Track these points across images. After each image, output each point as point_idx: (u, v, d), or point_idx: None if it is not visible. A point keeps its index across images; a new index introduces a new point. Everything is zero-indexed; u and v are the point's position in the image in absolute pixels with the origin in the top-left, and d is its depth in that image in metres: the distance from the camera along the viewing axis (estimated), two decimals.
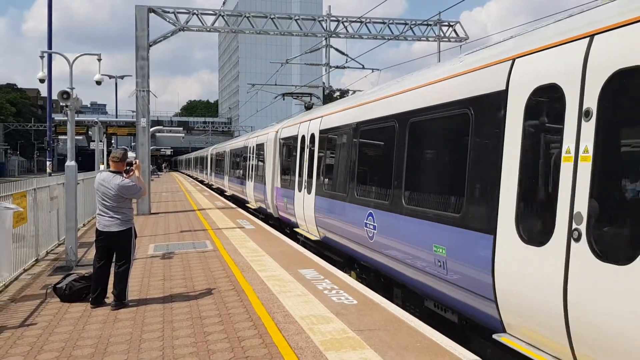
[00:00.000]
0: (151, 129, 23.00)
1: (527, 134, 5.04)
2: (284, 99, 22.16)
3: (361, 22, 24.27)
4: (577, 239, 4.22)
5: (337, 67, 27.83)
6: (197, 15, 21.74)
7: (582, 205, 4.22)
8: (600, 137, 4.21)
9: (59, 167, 58.53)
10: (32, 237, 9.89)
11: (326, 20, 24.34)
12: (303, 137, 13.43)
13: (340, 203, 10.13)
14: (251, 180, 20.63)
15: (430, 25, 24.95)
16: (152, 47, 19.42)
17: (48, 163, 27.19)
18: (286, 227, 15.39)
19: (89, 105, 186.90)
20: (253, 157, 20.68)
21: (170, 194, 30.35)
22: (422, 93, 7.28)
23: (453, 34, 25.11)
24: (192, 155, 72.60)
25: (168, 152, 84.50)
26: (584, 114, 4.35)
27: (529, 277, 4.75)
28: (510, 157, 5.16)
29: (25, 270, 9.29)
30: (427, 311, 7.29)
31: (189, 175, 70.04)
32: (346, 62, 26.91)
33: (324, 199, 11.17)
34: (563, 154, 4.50)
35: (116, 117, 62.60)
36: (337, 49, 26.47)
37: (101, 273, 7.12)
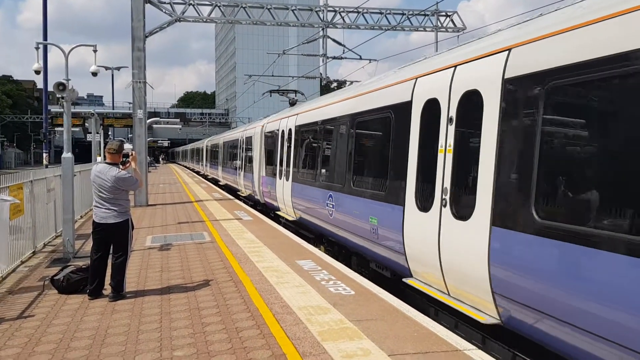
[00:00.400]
0: (148, 121, 22.94)
1: (421, 133, 7.05)
2: (270, 96, 22.73)
3: (358, 12, 24.18)
4: (445, 206, 6.29)
5: (334, 57, 27.71)
6: (193, 5, 21.62)
7: (447, 183, 6.29)
8: (458, 136, 6.22)
9: (56, 159, 58.39)
10: (29, 229, 9.87)
11: (323, 10, 24.23)
12: (282, 131, 15.32)
13: (309, 188, 12.07)
14: (242, 170, 22.58)
15: (428, 15, 24.87)
16: (148, 38, 19.32)
17: (44, 155, 27.13)
18: (271, 212, 17.14)
19: (85, 97, 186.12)
20: (243, 149, 22.64)
21: (168, 185, 30.33)
22: (364, 99, 9.30)
23: (450, 24, 25.04)
24: (189, 147, 74.09)
25: (165, 143, 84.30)
26: (449, 120, 6.38)
27: (421, 234, 6.77)
28: (413, 150, 7.16)
29: (22, 262, 9.29)
30: (372, 272, 9.03)
31: (186, 167, 70.16)
32: (343, 52, 26.80)
33: (298, 185, 13.08)
34: (440, 148, 6.49)
35: (113, 109, 62.37)
36: (334, 40, 26.33)
37: (98, 265, 7.11)
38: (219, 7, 22.60)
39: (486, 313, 5.61)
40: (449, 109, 6.38)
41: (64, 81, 10.23)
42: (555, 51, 4.77)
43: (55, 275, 7.49)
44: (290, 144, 14.32)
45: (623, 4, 4.08)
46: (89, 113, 24.64)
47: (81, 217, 15.44)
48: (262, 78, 39.01)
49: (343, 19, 24.21)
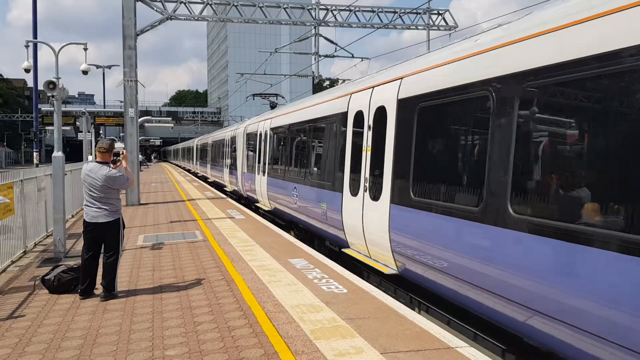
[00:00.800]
0: (140, 119, 22.84)
1: (352, 137, 9.32)
2: (254, 99, 24.17)
3: (350, 10, 24.18)
4: (365, 191, 8.45)
5: (326, 56, 27.70)
6: (184, 3, 21.54)
7: (367, 174, 8.44)
8: (373, 139, 8.39)
9: (47, 158, 58.02)
10: (19, 229, 9.80)
11: (315, 8, 24.21)
12: (260, 133, 17.39)
13: (280, 181, 14.18)
14: (227, 168, 24.63)
15: (420, 13, 24.91)
16: (139, 37, 19.22)
17: (35, 154, 26.96)
18: (252, 204, 19.11)
19: (76, 96, 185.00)
20: (228, 148, 24.54)
21: (160, 184, 30.22)
22: (318, 108, 11.63)
23: (442, 23, 25.09)
24: (180, 146, 75.04)
25: (157, 142, 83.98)
26: (368, 127, 8.57)
27: (353, 213, 8.93)
28: (348, 149, 9.43)
29: (13, 262, 9.22)
30: (328, 249, 10.99)
31: (177, 165, 70.06)
32: (335, 51, 26.81)
33: (272, 179, 15.17)
34: (363, 148, 8.68)
35: (104, 108, 62.06)
36: (326, 38, 26.32)
37: (90, 264, 7.07)
38: (210, 5, 22.53)
39: (389, 267, 7.76)
40: (368, 119, 8.62)
41: (54, 79, 10.17)
42: (420, 83, 7.14)
43: (46, 275, 7.44)
44: (265, 144, 16.47)
45: (440, 59, 6.77)
46: (80, 112, 24.55)
47: (72, 216, 15.36)
48: (254, 76, 38.94)
49: (335, 17, 24.21)
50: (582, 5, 4.46)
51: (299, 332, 5.51)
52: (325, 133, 11.00)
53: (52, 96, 10.11)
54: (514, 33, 5.37)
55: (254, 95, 23.47)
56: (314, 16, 24.20)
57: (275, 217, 15.56)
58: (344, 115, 9.65)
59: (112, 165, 7.18)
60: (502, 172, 5.22)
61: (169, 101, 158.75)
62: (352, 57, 28.08)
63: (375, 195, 8.04)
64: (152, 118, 71.91)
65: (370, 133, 8.47)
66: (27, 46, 14.27)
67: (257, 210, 18.08)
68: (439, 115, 6.68)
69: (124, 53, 18.74)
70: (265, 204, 16.45)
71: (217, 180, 29.49)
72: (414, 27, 25.16)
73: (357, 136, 9.04)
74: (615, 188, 4.10)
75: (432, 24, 24.98)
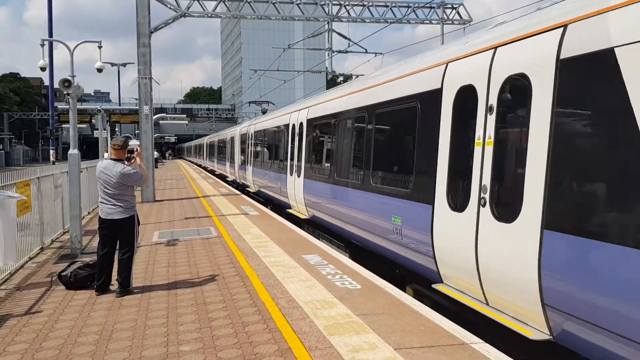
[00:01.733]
0: (154, 117, 22.98)
1: (290, 139, 15.02)
2: (249, 105, 31.14)
3: (363, 5, 24.09)
4: (293, 173, 13.70)
5: (339, 51, 27.63)
6: (198, 0, 21.60)
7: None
8: (251, 143, 19.33)
9: (64, 155, 58.57)
10: (36, 226, 9.92)
11: (328, 4, 24.14)
12: (249, 134, 22.68)
13: (260, 170, 19.33)
14: (228, 162, 30.40)
15: (434, 7, 24.75)
16: (154, 34, 19.32)
17: (51, 152, 27.26)
18: (245, 189, 24.11)
19: (92, 94, 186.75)
20: (228, 146, 30.02)
21: (175, 181, 30.40)
22: (278, 120, 16.64)
23: (456, 17, 24.91)
24: (192, 143, 79.84)
25: (172, 139, 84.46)
26: (293, 137, 12.58)
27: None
28: (290, 149, 15.09)
29: (30, 259, 9.34)
30: (286, 214, 14.73)
31: (191, 162, 70.84)
32: (349, 46, 26.72)
33: (257, 169, 20.34)
34: (292, 148, 12.36)
35: (119, 105, 62.58)
36: (339, 33, 26.25)
37: (105, 260, 7.14)
38: (223, 1, 22.57)
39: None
40: (294, 129, 13.99)
41: (70, 78, 10.25)
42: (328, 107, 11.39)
43: (63, 271, 7.52)
44: (251, 142, 21.84)
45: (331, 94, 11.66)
46: (95, 109, 24.75)
47: (88, 213, 15.51)
48: (268, 73, 38.96)
49: (348, 13, 24.13)
50: (390, 73, 8.88)
51: (312, 327, 5.51)
52: (277, 138, 16.76)
53: (68, 94, 10.20)
54: (364, 85, 9.87)
55: (250, 102, 31.60)
56: (327, 12, 24.14)
57: (259, 197, 21.04)
58: (287, 127, 15.35)
59: (126, 163, 7.23)
60: (365, 161, 9.16)
61: (183, 98, 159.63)
62: (366, 52, 27.99)
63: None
64: (167, 115, 72.37)
65: (294, 140, 12.37)
66: (42, 45, 14.38)
67: (236, 187, 25.67)
68: (328, 127, 11.42)
69: (138, 51, 18.86)
70: (252, 188, 22.29)
71: (221, 172, 35.15)
72: (428, 22, 25.01)
73: (287, 140, 15.04)
74: (410, 162, 7.54)
75: (446, 18, 24.81)
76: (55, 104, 31.48)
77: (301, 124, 13.55)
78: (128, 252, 7.11)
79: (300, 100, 18.14)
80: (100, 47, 14.15)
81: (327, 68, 30.31)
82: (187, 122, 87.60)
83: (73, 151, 10.25)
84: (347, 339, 5.17)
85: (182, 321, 5.86)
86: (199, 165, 54.04)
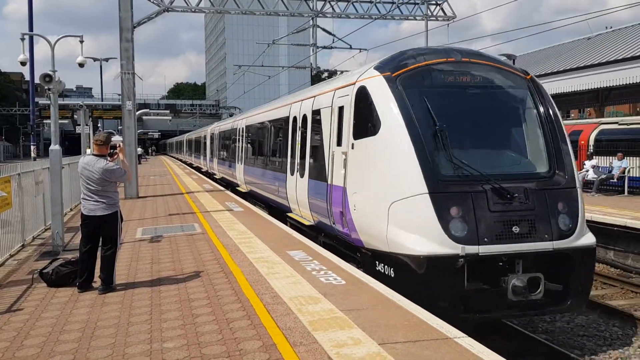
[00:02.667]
0: (137, 112, 22.78)
1: (236, 141, 22.95)
2: (219, 112, 43.64)
3: (348, 1, 24.07)
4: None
5: (324, 47, 27.63)
6: None
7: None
8: (215, 141, 28.74)
9: (45, 151, 57.70)
10: (17, 223, 9.79)
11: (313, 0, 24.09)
12: (215, 134, 29.54)
13: (223, 161, 25.53)
14: (202, 156, 36.82)
15: (418, 4, 24.81)
16: (137, 29, 19.13)
17: (32, 147, 26.89)
18: (214, 176, 29.86)
19: (74, 89, 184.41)
20: (203, 143, 36.38)
21: (159, 177, 30.18)
22: (226, 126, 25.91)
23: (441, 13, 24.99)
24: (174, 140, 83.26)
25: (155, 135, 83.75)
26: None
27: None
28: (231, 146, 24.80)
29: (11, 256, 9.22)
30: (234, 190, 20.06)
31: (174, 157, 70.98)
32: (333, 42, 26.72)
33: (219, 160, 27.10)
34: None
35: (102, 101, 61.82)
36: (324, 29, 26.23)
37: (88, 257, 7.06)
38: None
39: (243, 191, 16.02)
40: (241, 131, 19.93)
41: (50, 72, 10.12)
42: (252, 120, 19.23)
43: (44, 268, 7.43)
44: (216, 141, 28.82)
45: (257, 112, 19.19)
46: (77, 105, 24.42)
47: (70, 209, 15.35)
48: (253, 68, 38.83)
49: (333, 8, 24.11)
50: (261, 109, 18.39)
51: (297, 323, 5.51)
52: (230, 138, 23.44)
53: (49, 89, 10.07)
54: (267, 107, 17.74)
55: (222, 107, 42.76)
56: (311, 7, 24.10)
57: (223, 182, 25.97)
58: (234, 129, 22.06)
59: (109, 158, 7.15)
60: (238, 154, 19.67)
61: (167, 94, 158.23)
62: (350, 48, 28.02)
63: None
64: (150, 111, 71.70)
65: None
66: (22, 39, 14.16)
67: (209, 176, 31.00)
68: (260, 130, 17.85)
69: (121, 45, 18.66)
70: (217, 176, 28.72)
71: (197, 165, 41.61)
72: (412, 18, 25.07)
73: (232, 140, 22.28)
74: (270, 154, 15.06)
75: (430, 14, 24.88)
76: (37, 99, 31.06)
77: (241, 128, 20.74)
78: (111, 248, 7.05)
79: (245, 111, 27.57)
80: (81, 42, 13.99)
81: (311, 64, 30.27)
82: (170, 117, 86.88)
83: (54, 147, 10.13)
84: (331, 334, 5.18)
85: (166, 318, 5.83)
86: (179, 160, 59.52)
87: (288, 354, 4.76)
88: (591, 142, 20.00)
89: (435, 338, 5.05)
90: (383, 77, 7.96)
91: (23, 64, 15.76)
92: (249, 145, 19.16)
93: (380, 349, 4.80)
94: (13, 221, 9.48)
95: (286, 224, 12.36)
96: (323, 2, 24.00)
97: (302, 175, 11.50)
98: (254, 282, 7.19)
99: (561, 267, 7.18)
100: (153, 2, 20.32)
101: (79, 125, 23.60)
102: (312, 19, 24.65)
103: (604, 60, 26.21)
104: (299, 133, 12.00)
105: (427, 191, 7.06)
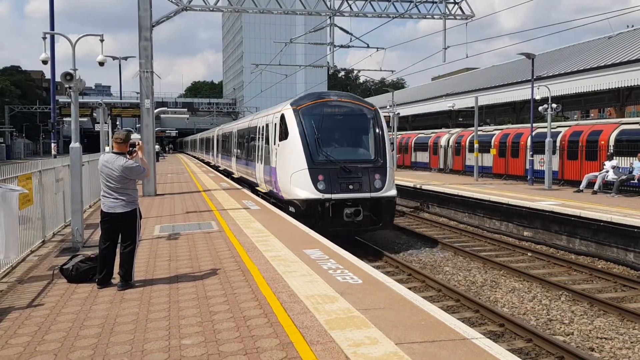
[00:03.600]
0: (155, 111, 22.96)
1: (220, 142, 36.13)
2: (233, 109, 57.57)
3: (366, 0, 23.99)
4: (234, 158, 26.49)
5: (341, 46, 27.57)
6: None
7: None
8: (218, 141, 36.51)
9: (65, 149, 58.44)
10: (38, 219, 9.94)
11: None
12: (219, 134, 35.04)
13: (223, 156, 32.10)
14: (210, 152, 43.65)
15: (436, 2, 24.63)
16: (155, 28, 19.27)
17: (53, 145, 27.20)
18: (218, 168, 35.99)
19: (93, 87, 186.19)
20: (211, 142, 42.43)
21: (176, 175, 30.40)
22: (223, 130, 34.58)
23: (459, 12, 24.80)
24: (189, 138, 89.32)
25: (173, 133, 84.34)
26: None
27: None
28: (214, 144, 38.76)
29: (32, 252, 9.36)
30: (252, 189, 20.63)
31: (190, 155, 72.81)
32: (350, 41, 26.66)
33: (222, 155, 32.92)
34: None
35: (120, 99, 62.36)
36: (341, 28, 26.16)
37: (107, 254, 7.15)
38: None
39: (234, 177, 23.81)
40: (233, 135, 26.69)
41: (71, 71, 10.24)
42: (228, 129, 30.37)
43: (65, 264, 7.54)
44: (219, 140, 34.94)
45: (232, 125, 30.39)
46: (96, 103, 24.73)
47: (90, 206, 15.52)
48: (270, 67, 38.92)
49: (350, 7, 24.05)
50: (232, 123, 30.26)
51: (314, 322, 5.52)
52: (227, 139, 29.55)
53: (69, 87, 10.19)
54: (234, 123, 29.54)
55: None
56: (329, 6, 24.06)
57: (224, 171, 32.10)
58: (229, 133, 29.32)
59: (128, 156, 7.23)
60: (232, 151, 26.65)
61: (184, 92, 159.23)
62: (368, 47, 27.93)
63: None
64: (168, 109, 72.39)
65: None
66: (44, 38, 14.33)
67: (220, 171, 34.67)
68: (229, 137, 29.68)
69: (139, 44, 18.81)
70: (221, 168, 33.90)
71: (207, 160, 47.37)
72: (430, 17, 24.91)
73: (228, 141, 30.15)
74: (247, 151, 21.49)
75: (448, 13, 24.71)
76: (57, 97, 31.35)
77: (234, 132, 27.28)
78: (130, 245, 7.12)
79: (237, 120, 37.98)
80: (102, 41, 14.13)
81: (328, 63, 30.23)
82: (188, 116, 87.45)
83: (75, 144, 10.26)
84: (348, 333, 5.18)
85: (184, 315, 5.88)
86: (194, 157, 65.65)
87: (305, 352, 4.78)
88: (611, 143, 19.71)
89: (453, 339, 5.03)
90: (292, 109, 14.64)
91: (45, 62, 15.96)
92: (238, 144, 25.39)
93: (397, 348, 4.79)
94: (34, 218, 9.62)
95: (257, 195, 18.66)
96: (341, 1, 23.96)
97: (261, 163, 17.94)
98: (270, 280, 7.22)
99: (376, 207, 13.70)
100: (172, 1, 20.44)
101: (98, 123, 23.86)
102: (330, 17, 24.61)
103: (625, 60, 25.82)
104: (260, 137, 18.38)
105: (307, 167, 13.62)
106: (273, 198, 16.48)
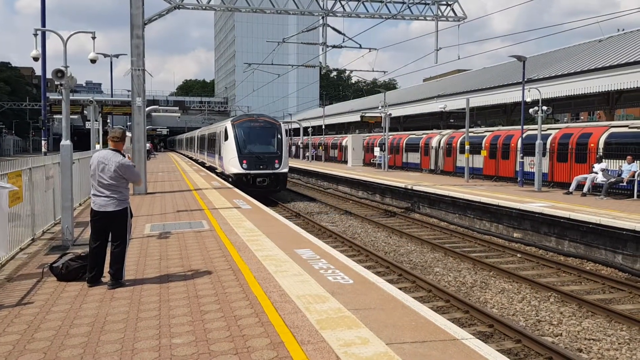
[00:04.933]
0: (147, 109, 22.87)
1: (190, 142, 56.62)
2: (208, 122, 67.07)
3: (358, 0, 24.04)
4: (204, 154, 39.83)
5: (334, 46, 27.61)
6: None
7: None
8: (197, 140, 47.89)
9: (55, 146, 58.08)
10: (28, 217, 9.87)
11: None
12: (197, 136, 46.87)
13: (199, 151, 44.33)
14: (193, 150, 52.03)
15: (428, 4, 24.73)
16: (147, 26, 19.21)
17: (43, 142, 27.00)
18: (197, 161, 45.55)
19: (84, 85, 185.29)
20: (194, 141, 51.01)
21: (167, 173, 30.31)
22: (201, 131, 46.10)
23: (451, 14, 24.90)
24: (177, 137, 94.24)
25: (164, 131, 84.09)
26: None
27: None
28: (190, 145, 57.47)
29: (21, 250, 9.30)
30: (219, 174, 29.37)
31: (181, 154, 73.64)
32: (343, 41, 26.71)
33: (199, 151, 43.90)
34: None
35: (112, 97, 62.01)
36: (334, 28, 26.19)
37: (97, 253, 7.11)
38: None
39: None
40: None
41: (62, 68, 10.18)
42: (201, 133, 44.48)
43: (55, 262, 7.50)
44: (197, 141, 46.10)
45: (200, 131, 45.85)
46: (87, 100, 24.58)
47: (80, 204, 15.44)
48: (262, 67, 38.90)
49: (343, 7, 24.08)
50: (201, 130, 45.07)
51: (305, 322, 5.53)
52: (201, 139, 41.92)
53: (60, 84, 10.12)
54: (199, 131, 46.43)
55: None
56: (322, 6, 24.08)
57: (199, 160, 43.31)
58: (202, 135, 41.95)
59: (127, 156, 7.22)
60: (204, 147, 38.66)
61: (176, 90, 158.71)
62: (360, 47, 28.00)
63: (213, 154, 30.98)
64: (160, 107, 72.27)
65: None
66: (35, 35, 14.21)
67: (200, 164, 41.76)
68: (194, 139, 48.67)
69: (131, 42, 18.74)
70: (198, 158, 43.23)
71: (190, 155, 56.27)
72: (423, 18, 24.99)
73: (201, 140, 42.10)
74: (209, 147, 34.75)
75: (440, 14, 24.80)
76: (47, 94, 31.09)
77: (204, 134, 38.27)
78: (121, 244, 7.08)
79: (205, 126, 50.14)
80: (93, 38, 14.04)
81: (320, 63, 30.24)
82: (179, 114, 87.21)
83: (65, 142, 10.20)
84: (339, 333, 5.20)
85: (174, 314, 5.87)
86: (184, 155, 70.02)
87: (296, 352, 4.79)
88: (601, 145, 19.87)
89: (443, 339, 5.06)
90: (231, 124, 24.89)
91: (36, 59, 15.83)
92: (207, 143, 35.99)
93: (388, 348, 4.82)
94: (23, 215, 9.56)
95: (215, 173, 29.33)
96: (334, 1, 23.98)
97: (216, 154, 28.68)
98: (261, 279, 7.22)
99: (276, 178, 23.85)
100: None
101: (89, 120, 23.72)
102: (322, 17, 24.63)
103: (615, 63, 26.03)
104: (215, 139, 29.11)
105: (237, 156, 23.69)
106: (223, 175, 27.11)
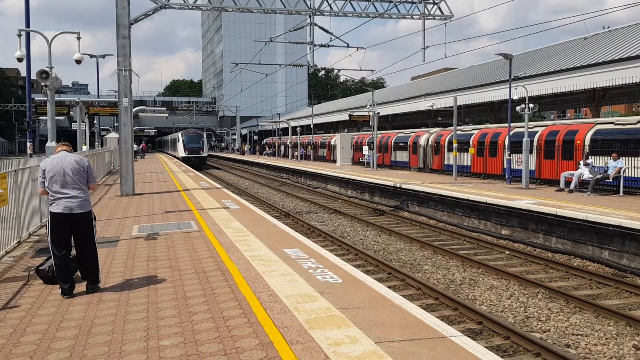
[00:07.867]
0: (134, 109, 22.74)
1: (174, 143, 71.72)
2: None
3: None
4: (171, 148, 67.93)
5: (321, 45, 27.62)
6: None
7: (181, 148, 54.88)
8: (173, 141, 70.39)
9: (41, 148, 57.49)
10: (13, 219, 9.76)
11: None
12: (178, 137, 57.20)
13: (174, 148, 64.37)
14: (174, 149, 60.89)
15: (415, 3, 24.79)
16: (134, 26, 19.08)
17: (29, 144, 26.74)
18: (175, 157, 60.71)
19: (70, 85, 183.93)
20: (175, 142, 59.39)
21: (155, 174, 30.14)
22: (171, 136, 76.20)
23: (438, 12, 24.99)
24: (163, 138, 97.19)
25: (152, 132, 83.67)
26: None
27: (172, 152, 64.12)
28: (171, 145, 74.05)
29: (7, 252, 9.20)
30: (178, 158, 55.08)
31: (167, 153, 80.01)
32: (331, 40, 26.72)
33: (174, 149, 64.47)
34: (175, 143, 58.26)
35: (98, 97, 61.60)
36: (321, 27, 26.20)
37: (69, 262, 6.70)
38: None
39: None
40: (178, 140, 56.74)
41: (47, 69, 10.10)
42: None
43: (41, 265, 7.42)
44: (178, 141, 55.91)
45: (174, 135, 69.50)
46: (74, 101, 24.39)
47: None
48: (250, 66, 38.81)
49: (330, 6, 24.08)
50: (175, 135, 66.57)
51: (293, 321, 5.52)
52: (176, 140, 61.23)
53: (45, 86, 10.04)
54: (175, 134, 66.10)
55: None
56: (309, 5, 24.07)
57: (175, 156, 59.29)
58: (175, 139, 61.08)
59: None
60: (175, 146, 60.67)
61: (163, 91, 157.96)
62: (348, 46, 28.05)
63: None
64: (147, 108, 72.49)
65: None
66: (19, 35, 14.08)
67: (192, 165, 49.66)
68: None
69: (117, 42, 18.61)
70: (179, 157, 54.36)
71: (173, 155, 63.65)
72: (410, 17, 25.06)
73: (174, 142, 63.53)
74: (175, 147, 63.26)
75: (427, 13, 24.88)
76: (33, 95, 30.78)
77: (178, 137, 56.97)
78: (92, 247, 6.80)
79: (176, 131, 71.28)
80: (79, 39, 13.94)
81: (308, 62, 30.24)
82: (167, 114, 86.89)
83: (51, 143, 10.12)
84: (328, 332, 5.19)
85: (163, 315, 5.84)
86: (168, 154, 77.21)
87: (285, 352, 4.78)
88: (587, 142, 20.05)
89: (432, 337, 5.07)
90: (181, 134, 54.26)
91: (20, 60, 15.68)
92: (179, 143, 52.46)
93: (377, 347, 4.82)
94: (9, 218, 9.46)
95: (179, 160, 50.57)
96: (321, 0, 23.97)
97: (179, 150, 53.32)
98: (250, 280, 7.20)
99: (202, 158, 53.30)
100: None
101: (75, 121, 23.52)
102: (310, 17, 24.62)
103: (600, 61, 26.26)
104: (176, 141, 56.61)
105: (184, 149, 52.19)
106: (180, 159, 49.01)
